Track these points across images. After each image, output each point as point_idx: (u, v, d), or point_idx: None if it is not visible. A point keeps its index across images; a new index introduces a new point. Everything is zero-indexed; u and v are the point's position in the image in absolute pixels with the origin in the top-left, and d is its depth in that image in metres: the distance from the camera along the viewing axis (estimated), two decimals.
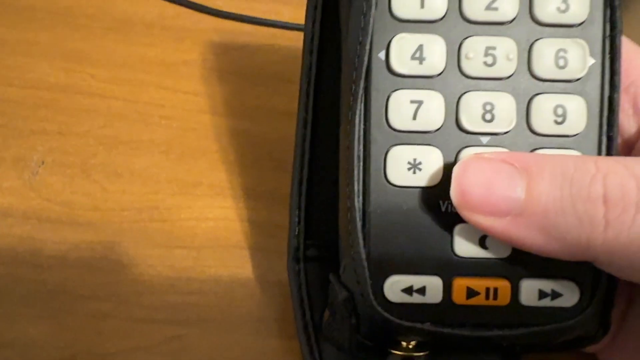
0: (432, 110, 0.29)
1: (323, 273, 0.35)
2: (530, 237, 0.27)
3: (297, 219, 0.37)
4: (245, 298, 0.40)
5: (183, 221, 0.42)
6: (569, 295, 0.30)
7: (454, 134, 0.30)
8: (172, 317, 0.39)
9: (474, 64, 0.29)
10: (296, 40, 0.50)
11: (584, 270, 0.30)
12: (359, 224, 0.30)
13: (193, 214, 0.42)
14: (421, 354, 0.31)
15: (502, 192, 0.27)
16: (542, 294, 0.30)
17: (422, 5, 0.29)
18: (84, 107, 0.46)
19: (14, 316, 0.38)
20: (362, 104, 0.30)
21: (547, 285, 0.30)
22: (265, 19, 0.50)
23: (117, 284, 0.40)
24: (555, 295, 0.30)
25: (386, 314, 0.30)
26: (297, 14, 0.51)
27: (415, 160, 0.29)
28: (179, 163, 0.44)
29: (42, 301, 0.39)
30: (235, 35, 0.50)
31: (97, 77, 0.47)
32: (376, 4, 0.29)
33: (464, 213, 0.28)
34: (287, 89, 0.47)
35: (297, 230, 0.37)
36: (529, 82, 0.30)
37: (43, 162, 0.44)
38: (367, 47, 0.29)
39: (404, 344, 0.31)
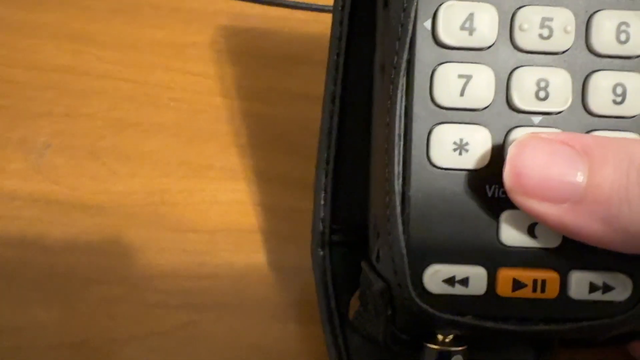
0: (482, 86, 0.26)
1: (349, 259, 0.32)
2: (588, 226, 0.24)
3: (322, 201, 0.33)
4: (261, 282, 0.37)
5: (195, 204, 0.39)
6: (621, 289, 0.27)
7: (504, 113, 0.26)
8: (186, 302, 0.36)
9: (528, 36, 0.26)
10: (307, 20, 0.47)
11: (637, 262, 0.26)
12: (398, 209, 0.26)
13: (205, 197, 0.40)
14: (459, 348, 0.28)
15: (561, 177, 0.24)
16: (592, 287, 0.27)
17: None
18: (92, 89, 0.43)
19: (24, 301, 0.36)
20: (405, 78, 0.26)
21: (598, 277, 0.26)
22: None
23: (128, 268, 0.37)
24: (606, 288, 0.27)
25: (425, 306, 0.26)
26: None
27: (461, 140, 0.26)
28: (190, 146, 0.41)
29: (52, 285, 0.36)
30: (245, 16, 0.47)
31: (105, 58, 0.44)
32: None
33: (517, 198, 0.25)
34: (299, 71, 0.44)
35: (322, 213, 0.33)
36: (587, 58, 0.26)
37: (50, 145, 0.41)
38: (412, 15, 0.25)
39: (440, 337, 0.28)
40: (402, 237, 0.26)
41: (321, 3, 0.48)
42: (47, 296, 0.37)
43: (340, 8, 0.32)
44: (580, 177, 0.24)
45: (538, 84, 0.26)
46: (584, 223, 0.24)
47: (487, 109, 0.26)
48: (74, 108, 0.43)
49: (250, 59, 0.46)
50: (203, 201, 0.40)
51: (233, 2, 0.48)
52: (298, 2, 0.47)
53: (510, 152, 0.25)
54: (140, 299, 0.37)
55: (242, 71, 0.45)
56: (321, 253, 0.33)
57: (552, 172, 0.24)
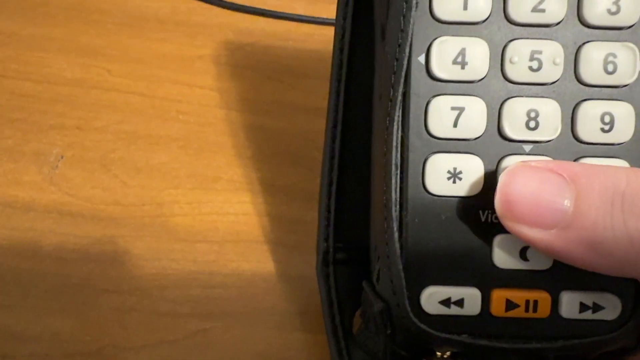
0: (474, 117, 0.26)
1: (352, 276, 0.33)
2: (576, 251, 0.25)
3: (326, 222, 0.34)
4: (268, 292, 0.38)
5: (204, 215, 0.40)
6: (610, 308, 0.27)
7: (496, 142, 0.27)
8: (196, 311, 0.37)
9: (518, 68, 0.26)
10: (310, 34, 0.48)
11: (626, 283, 0.27)
12: (396, 234, 0.27)
13: (214, 208, 0.41)
14: None
15: (550, 204, 0.25)
16: (583, 307, 0.27)
17: (465, 7, 0.26)
18: (102, 102, 0.44)
19: (39, 310, 0.37)
20: (400, 110, 0.27)
21: (588, 297, 0.27)
22: (279, 12, 0.48)
23: (140, 278, 0.38)
24: (596, 308, 0.27)
25: (423, 326, 0.27)
26: (311, 7, 0.49)
27: (455, 169, 0.27)
28: (198, 158, 0.42)
29: (66, 295, 0.37)
30: (249, 29, 0.48)
31: (113, 72, 0.45)
32: (416, 4, 0.26)
33: (508, 223, 0.25)
34: (302, 84, 0.45)
35: (327, 234, 0.34)
36: (575, 88, 0.27)
37: (62, 157, 0.42)
38: (407, 50, 0.26)
39: (438, 354, 0.29)
40: (400, 261, 0.27)
41: (324, 16, 0.48)
42: (61, 306, 0.37)
43: (340, 36, 0.33)
44: (567, 204, 0.25)
45: (528, 114, 0.27)
46: (572, 248, 0.25)
47: (479, 139, 0.27)
48: (84, 121, 0.44)
49: (255, 72, 0.46)
50: (211, 212, 0.41)
51: (237, 15, 0.49)
52: (302, 16, 0.48)
53: (501, 180, 0.26)
54: (151, 308, 0.38)
55: (247, 84, 0.46)
56: (326, 271, 0.34)
57: (541, 199, 0.25)
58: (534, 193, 0.25)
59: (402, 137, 0.27)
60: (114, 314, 0.37)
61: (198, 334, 0.37)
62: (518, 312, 0.28)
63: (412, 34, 0.26)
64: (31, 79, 0.45)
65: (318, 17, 0.48)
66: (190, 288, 0.38)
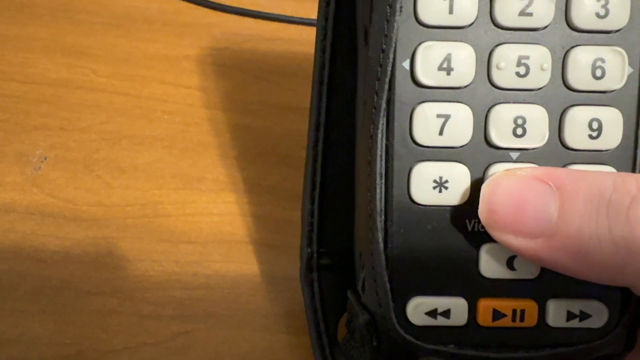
0: (460, 124, 0.25)
1: (337, 282, 0.32)
2: (562, 259, 0.24)
3: (310, 227, 0.33)
4: (252, 293, 0.37)
5: (188, 216, 0.39)
6: (597, 316, 0.27)
7: (482, 150, 0.26)
8: (179, 313, 0.36)
9: (505, 74, 0.25)
10: (298, 34, 0.46)
11: (612, 291, 0.26)
12: (381, 245, 0.26)
13: (198, 209, 0.39)
14: None
15: (534, 212, 0.24)
16: (570, 315, 0.27)
17: (451, 10, 0.25)
18: (86, 103, 0.43)
19: (19, 312, 0.35)
20: (385, 117, 0.25)
21: (575, 306, 0.26)
22: (267, 13, 0.47)
23: (122, 280, 0.37)
24: (583, 316, 0.27)
25: (409, 337, 0.26)
26: (299, 8, 0.47)
27: (441, 178, 0.26)
28: (182, 158, 0.41)
29: (46, 297, 0.36)
30: (237, 29, 0.47)
31: (99, 72, 0.44)
32: (401, 8, 0.25)
33: (493, 233, 0.24)
34: (290, 84, 0.44)
35: (310, 239, 0.33)
36: (563, 94, 0.25)
37: (45, 158, 0.40)
38: (391, 56, 0.25)
39: None
40: (385, 272, 0.26)
41: (312, 17, 0.47)
42: (41, 308, 0.36)
43: (322, 37, 0.31)
44: (552, 212, 0.24)
45: (515, 121, 0.25)
46: (558, 256, 0.24)
47: (465, 147, 0.26)
48: (68, 121, 0.42)
49: (242, 72, 0.45)
50: (195, 213, 0.40)
51: (224, 15, 0.48)
52: (290, 17, 0.47)
53: (484, 190, 0.25)
54: (133, 310, 0.36)
55: (234, 84, 0.45)
56: (310, 277, 0.33)
57: (525, 208, 0.24)
58: (517, 202, 0.24)
59: (386, 145, 0.26)
60: (94, 317, 0.36)
61: (180, 336, 0.36)
62: (505, 322, 0.27)
63: (396, 39, 0.25)
64: (16, 80, 0.44)
65: (306, 18, 0.47)
66: (173, 289, 0.37)
